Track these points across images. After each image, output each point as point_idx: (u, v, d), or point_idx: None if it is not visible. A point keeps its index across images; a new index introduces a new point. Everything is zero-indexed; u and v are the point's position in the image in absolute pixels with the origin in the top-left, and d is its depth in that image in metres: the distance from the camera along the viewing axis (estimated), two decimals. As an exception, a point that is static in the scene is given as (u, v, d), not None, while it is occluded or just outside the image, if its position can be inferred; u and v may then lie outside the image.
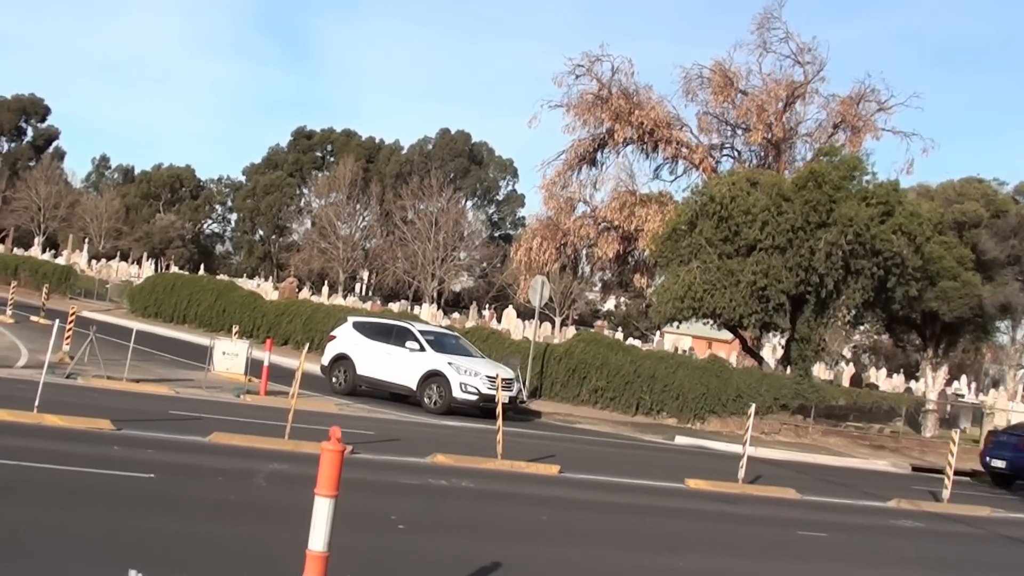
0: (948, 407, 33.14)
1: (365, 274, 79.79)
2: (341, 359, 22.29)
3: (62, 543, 7.26)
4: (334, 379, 22.23)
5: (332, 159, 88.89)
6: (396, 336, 21.96)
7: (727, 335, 35.14)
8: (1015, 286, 31.81)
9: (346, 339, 22.45)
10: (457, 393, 20.79)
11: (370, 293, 76.44)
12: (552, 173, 36.37)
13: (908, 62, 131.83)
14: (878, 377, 52.71)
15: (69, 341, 19.90)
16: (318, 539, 5.74)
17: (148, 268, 65.93)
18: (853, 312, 27.25)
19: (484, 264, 77.01)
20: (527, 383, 25.38)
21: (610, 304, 68.19)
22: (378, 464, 12.80)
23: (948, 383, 45.67)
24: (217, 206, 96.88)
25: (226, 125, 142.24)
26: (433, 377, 21.08)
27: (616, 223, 35.29)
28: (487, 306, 67.99)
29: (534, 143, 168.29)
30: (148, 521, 8.21)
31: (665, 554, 10.03)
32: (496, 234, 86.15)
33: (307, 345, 18.88)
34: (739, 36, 67.32)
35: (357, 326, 22.84)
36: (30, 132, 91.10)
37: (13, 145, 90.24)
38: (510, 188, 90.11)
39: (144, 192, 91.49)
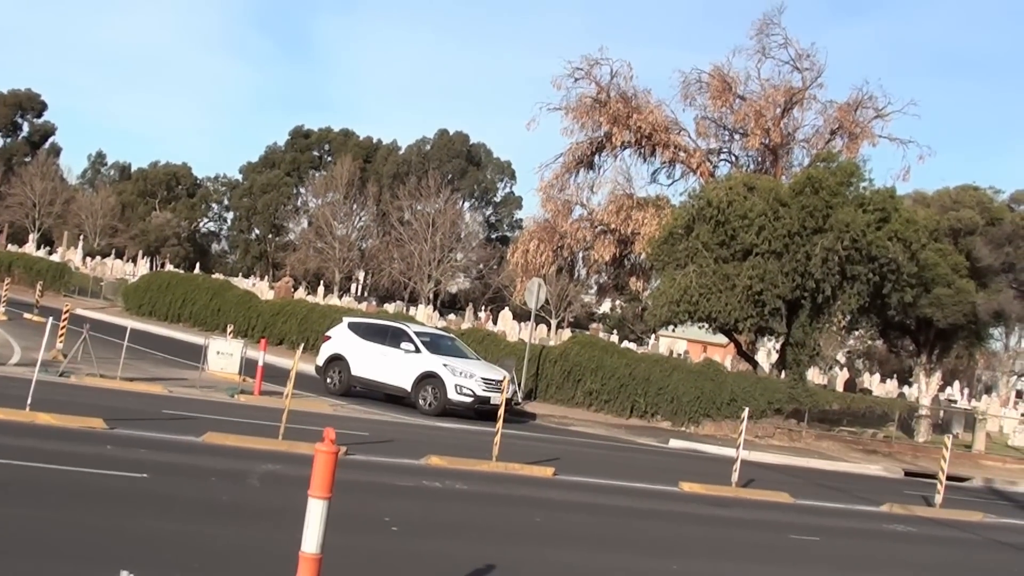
0: (941, 412, 33.23)
1: (361, 274, 79.66)
2: (336, 360, 22.21)
3: (53, 543, 7.24)
4: (329, 380, 22.16)
5: (329, 159, 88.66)
6: (391, 337, 21.91)
7: (722, 339, 35.20)
8: (1009, 293, 31.95)
9: (341, 340, 22.37)
10: (452, 395, 20.75)
11: (366, 294, 76.32)
12: (550, 176, 36.49)
13: (905, 70, 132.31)
14: (872, 382, 52.81)
15: (63, 339, 19.83)
16: (311, 541, 5.73)
17: (143, 266, 65.81)
18: (848, 317, 27.31)
19: (481, 266, 76.95)
20: (522, 385, 25.37)
21: (606, 307, 68.21)
22: (372, 466, 12.78)
23: (941, 389, 45.80)
24: (213, 204, 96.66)
25: (224, 123, 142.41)
26: (428, 379, 21.04)
27: (613, 226, 35.37)
28: (483, 308, 67.92)
29: (532, 145, 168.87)
30: (140, 521, 8.19)
31: (658, 557, 10.03)
32: (493, 236, 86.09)
33: (302, 345, 18.87)
34: (738, 41, 67.69)
35: (352, 327, 22.77)
36: (26, 127, 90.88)
37: (8, 140, 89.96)
38: (508, 190, 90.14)
39: (140, 189, 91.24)
